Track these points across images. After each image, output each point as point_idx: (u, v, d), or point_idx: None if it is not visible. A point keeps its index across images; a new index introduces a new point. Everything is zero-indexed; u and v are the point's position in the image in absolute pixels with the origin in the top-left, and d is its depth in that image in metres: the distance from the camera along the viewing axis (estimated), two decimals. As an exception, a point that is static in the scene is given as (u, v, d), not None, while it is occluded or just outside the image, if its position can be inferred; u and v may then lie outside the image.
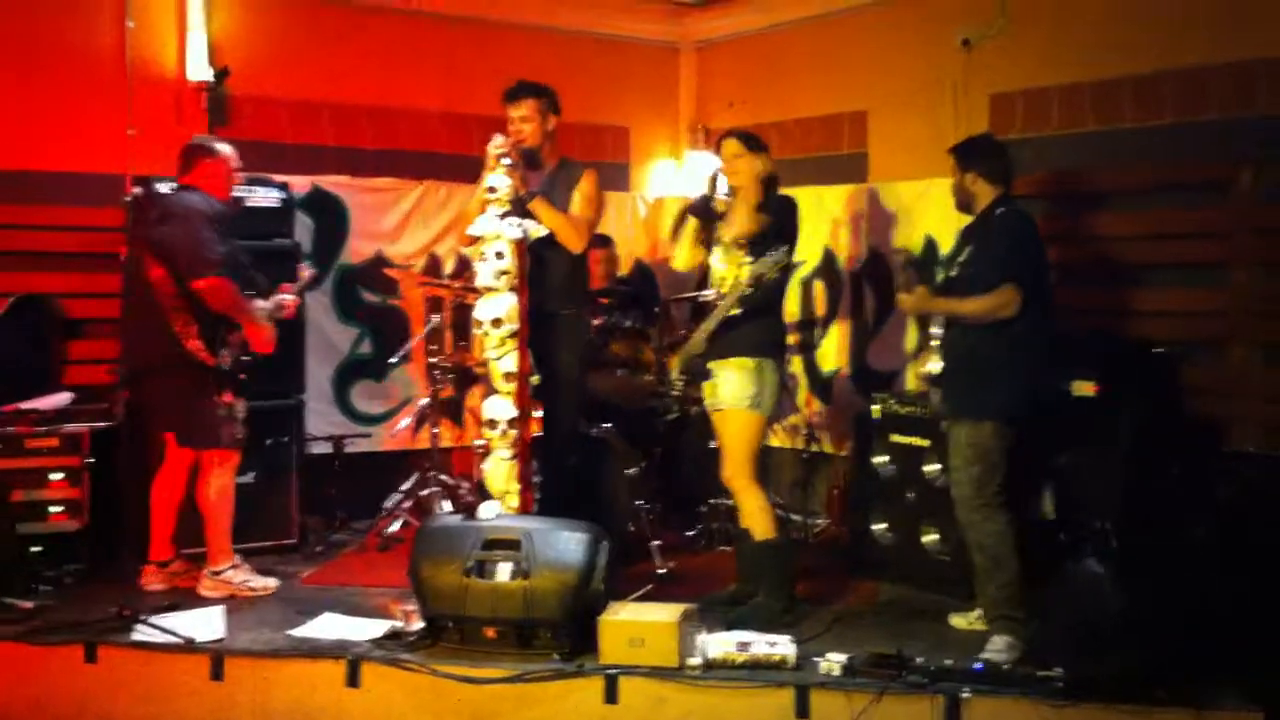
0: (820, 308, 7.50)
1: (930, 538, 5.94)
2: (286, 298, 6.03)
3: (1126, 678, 4.35)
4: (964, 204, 5.25)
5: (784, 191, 5.62)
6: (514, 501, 5.39)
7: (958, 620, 5.36)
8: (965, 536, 5.13)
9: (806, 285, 7.57)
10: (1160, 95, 6.04)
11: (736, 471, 5.45)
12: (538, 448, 5.63)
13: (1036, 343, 5.04)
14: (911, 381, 6.62)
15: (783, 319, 5.73)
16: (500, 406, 5.38)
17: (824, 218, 7.35)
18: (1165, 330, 5.84)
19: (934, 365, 5.13)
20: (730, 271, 5.44)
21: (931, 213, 6.73)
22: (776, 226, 5.39)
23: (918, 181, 6.90)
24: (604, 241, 7.78)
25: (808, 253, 7.33)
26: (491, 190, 5.39)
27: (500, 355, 5.36)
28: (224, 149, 5.88)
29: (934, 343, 5.16)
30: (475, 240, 5.58)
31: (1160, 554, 4.94)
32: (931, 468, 5.88)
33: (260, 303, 5.86)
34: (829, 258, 7.44)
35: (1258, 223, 5.62)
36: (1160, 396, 5.67)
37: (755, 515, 5.45)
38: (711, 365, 5.50)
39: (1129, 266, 6.04)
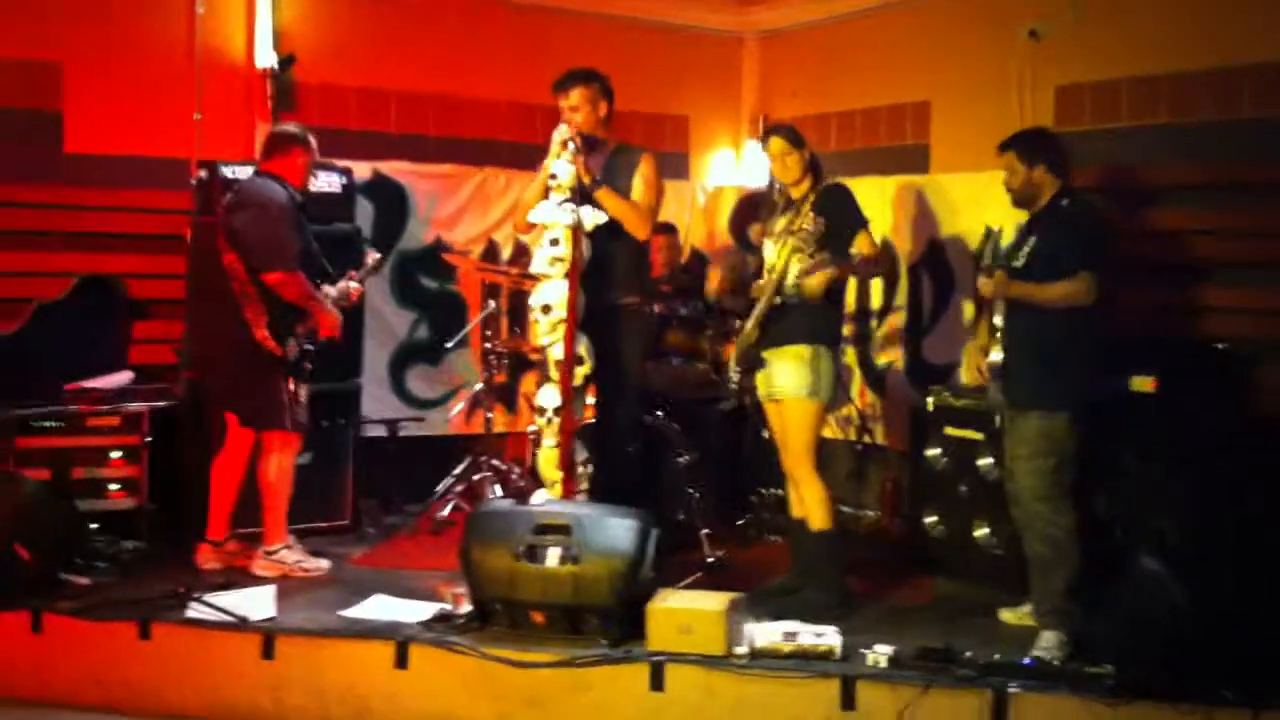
0: (877, 300, 7.42)
1: (982, 532, 5.88)
2: (354, 285, 6.07)
3: (1185, 677, 4.28)
4: (1026, 198, 5.17)
5: (842, 180, 5.58)
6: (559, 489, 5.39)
7: (1007, 615, 5.31)
8: (1025, 530, 5.04)
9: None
10: (1235, 90, 5.94)
11: (798, 461, 5.43)
12: (590, 436, 5.61)
13: (1103, 333, 5.00)
14: (967, 374, 6.51)
15: (841, 308, 5.70)
16: (550, 395, 5.39)
17: (884, 207, 7.27)
18: (1234, 328, 5.74)
19: (996, 354, 5.04)
20: (780, 261, 5.41)
21: (993, 205, 6.64)
22: (838, 222, 5.34)
23: (980, 173, 6.81)
24: (666, 229, 7.78)
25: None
26: (553, 177, 5.39)
27: (552, 342, 5.36)
28: (313, 141, 5.93)
29: (997, 333, 5.06)
30: (532, 227, 5.60)
31: (1223, 553, 4.86)
32: (985, 461, 5.82)
33: (328, 289, 5.91)
34: (886, 249, 7.35)
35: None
36: (1223, 394, 5.58)
37: (815, 505, 5.42)
38: (766, 354, 5.47)
39: (1198, 263, 5.94)
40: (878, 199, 7.11)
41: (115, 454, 6.20)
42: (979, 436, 5.87)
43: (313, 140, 5.93)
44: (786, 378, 5.40)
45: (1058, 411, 4.92)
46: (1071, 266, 4.87)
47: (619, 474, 5.73)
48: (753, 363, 5.54)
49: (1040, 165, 5.10)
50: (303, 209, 5.83)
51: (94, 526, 6.02)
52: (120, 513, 6.18)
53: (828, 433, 7.21)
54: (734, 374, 5.69)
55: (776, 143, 5.54)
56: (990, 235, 5.22)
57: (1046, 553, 4.94)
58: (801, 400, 5.38)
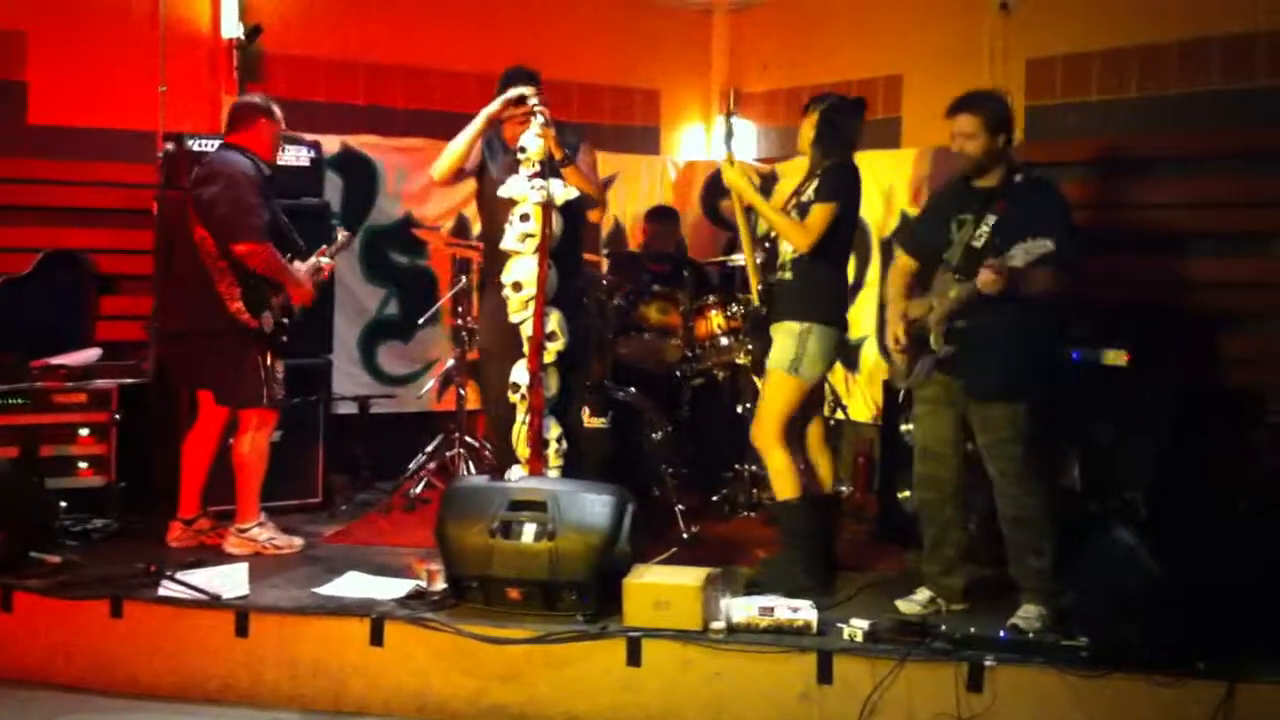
0: (850, 275, 7.41)
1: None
2: (325, 260, 6.02)
3: (1161, 648, 4.30)
4: (981, 169, 4.88)
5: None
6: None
7: (906, 607, 5.12)
8: (1001, 514, 4.97)
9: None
10: (1206, 61, 5.96)
11: (761, 431, 5.42)
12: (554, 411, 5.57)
13: (1058, 317, 4.95)
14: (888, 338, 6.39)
15: (841, 285, 5.58)
16: (522, 372, 5.36)
17: (903, 179, 7.17)
18: (1207, 299, 5.77)
19: (936, 341, 4.87)
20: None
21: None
22: (819, 189, 5.32)
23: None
24: (664, 216, 7.77)
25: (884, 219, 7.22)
26: (522, 150, 5.33)
27: (522, 320, 5.32)
28: (279, 111, 5.85)
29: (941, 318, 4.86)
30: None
31: (1195, 525, 4.89)
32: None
33: (299, 265, 5.86)
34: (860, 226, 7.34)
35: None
36: (1196, 366, 5.62)
37: (776, 475, 5.41)
38: (772, 329, 5.48)
39: (1171, 235, 5.97)
40: (894, 171, 7.07)
41: (84, 431, 6.15)
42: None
43: (278, 111, 5.85)
44: (775, 350, 5.40)
45: (1018, 401, 4.85)
46: (1065, 252, 4.60)
47: (577, 451, 5.67)
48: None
49: (1002, 134, 4.87)
50: (270, 181, 5.77)
51: (63, 504, 5.96)
52: (89, 490, 6.14)
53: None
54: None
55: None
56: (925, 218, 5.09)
57: (1024, 535, 4.92)
58: (779, 373, 5.37)
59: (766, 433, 5.40)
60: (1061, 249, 4.53)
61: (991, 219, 4.79)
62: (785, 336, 5.37)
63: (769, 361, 5.43)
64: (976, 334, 4.82)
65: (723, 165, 5.65)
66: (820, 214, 5.26)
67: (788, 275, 5.42)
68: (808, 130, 5.43)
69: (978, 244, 4.82)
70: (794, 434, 5.52)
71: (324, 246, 6.06)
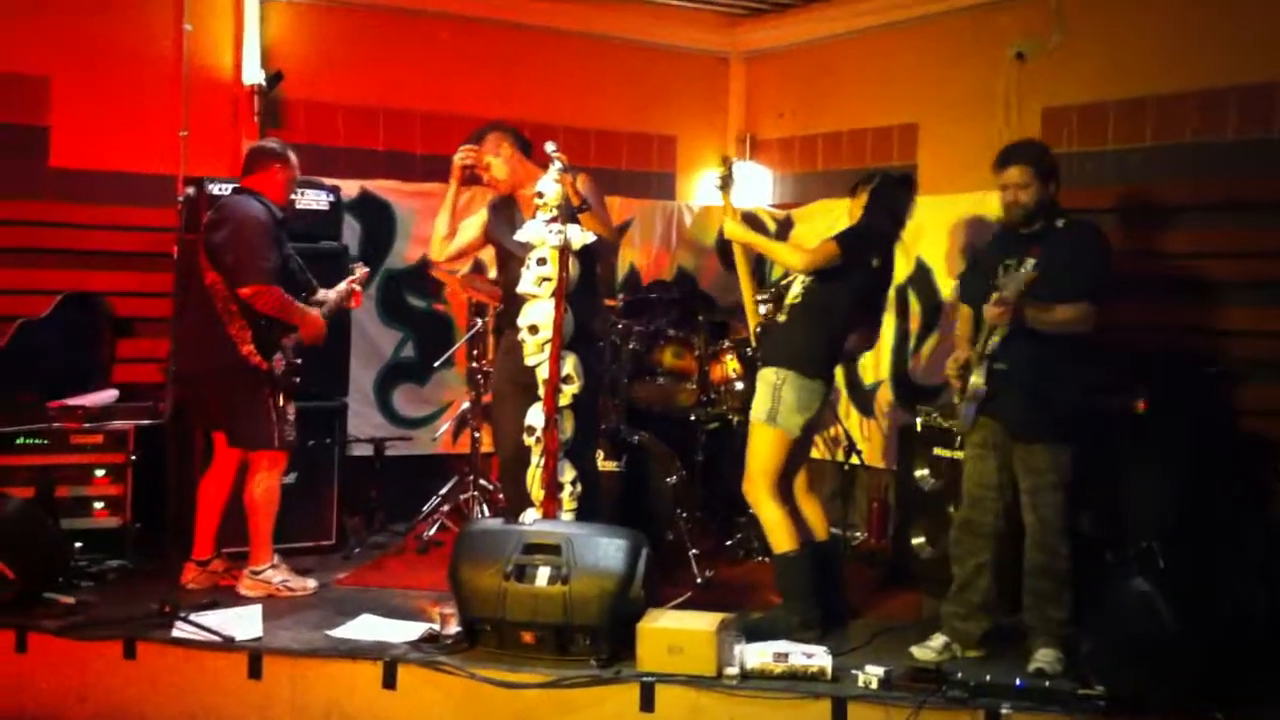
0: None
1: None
2: (357, 286, 6.06)
3: (1177, 697, 4.28)
4: (1032, 216, 4.94)
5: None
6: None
7: (921, 653, 5.10)
8: (1029, 561, 4.95)
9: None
10: (1223, 111, 5.98)
11: (750, 486, 5.40)
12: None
13: (1097, 360, 4.95)
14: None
15: (831, 334, 5.43)
16: (538, 414, 5.36)
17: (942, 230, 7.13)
18: (1223, 347, 5.76)
19: (978, 379, 4.95)
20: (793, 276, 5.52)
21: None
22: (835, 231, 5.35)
23: (967, 195, 6.84)
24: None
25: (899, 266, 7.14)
26: (539, 195, 5.36)
27: (538, 363, 5.34)
28: (293, 157, 5.90)
29: (986, 359, 4.92)
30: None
31: (1211, 573, 4.87)
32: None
33: (327, 292, 5.94)
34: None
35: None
36: (1213, 415, 5.60)
37: (770, 530, 5.39)
38: (757, 376, 5.48)
39: (1185, 283, 5.97)
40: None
41: (100, 472, 6.17)
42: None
43: (293, 156, 5.89)
44: (756, 399, 5.41)
45: (1063, 443, 4.88)
46: (1077, 294, 4.76)
47: (589, 495, 5.66)
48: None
49: (1053, 181, 4.94)
50: (283, 225, 5.80)
51: (78, 545, 5.99)
52: (105, 531, 6.15)
53: (815, 453, 7.22)
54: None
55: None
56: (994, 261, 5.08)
57: (1048, 586, 4.91)
58: (759, 425, 5.36)
59: (755, 486, 5.38)
60: (1073, 291, 4.66)
61: (1030, 262, 4.77)
62: (763, 386, 5.38)
63: (751, 413, 5.43)
64: (1016, 375, 4.86)
65: (723, 208, 5.75)
66: (822, 244, 5.30)
67: (782, 318, 5.45)
68: (857, 209, 5.47)
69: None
70: (783, 485, 5.47)
71: (353, 276, 6.14)
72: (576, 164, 5.48)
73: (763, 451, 5.36)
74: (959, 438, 5.36)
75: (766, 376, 5.37)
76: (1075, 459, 4.91)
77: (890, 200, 5.45)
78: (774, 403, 5.31)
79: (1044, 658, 4.83)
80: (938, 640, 5.13)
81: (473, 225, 5.82)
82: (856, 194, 5.52)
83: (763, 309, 5.83)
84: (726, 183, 5.85)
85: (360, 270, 6.25)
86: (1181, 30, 6.18)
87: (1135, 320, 5.95)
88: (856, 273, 5.34)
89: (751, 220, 8.17)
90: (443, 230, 5.77)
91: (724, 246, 8.28)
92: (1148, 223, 6.15)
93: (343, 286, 6.04)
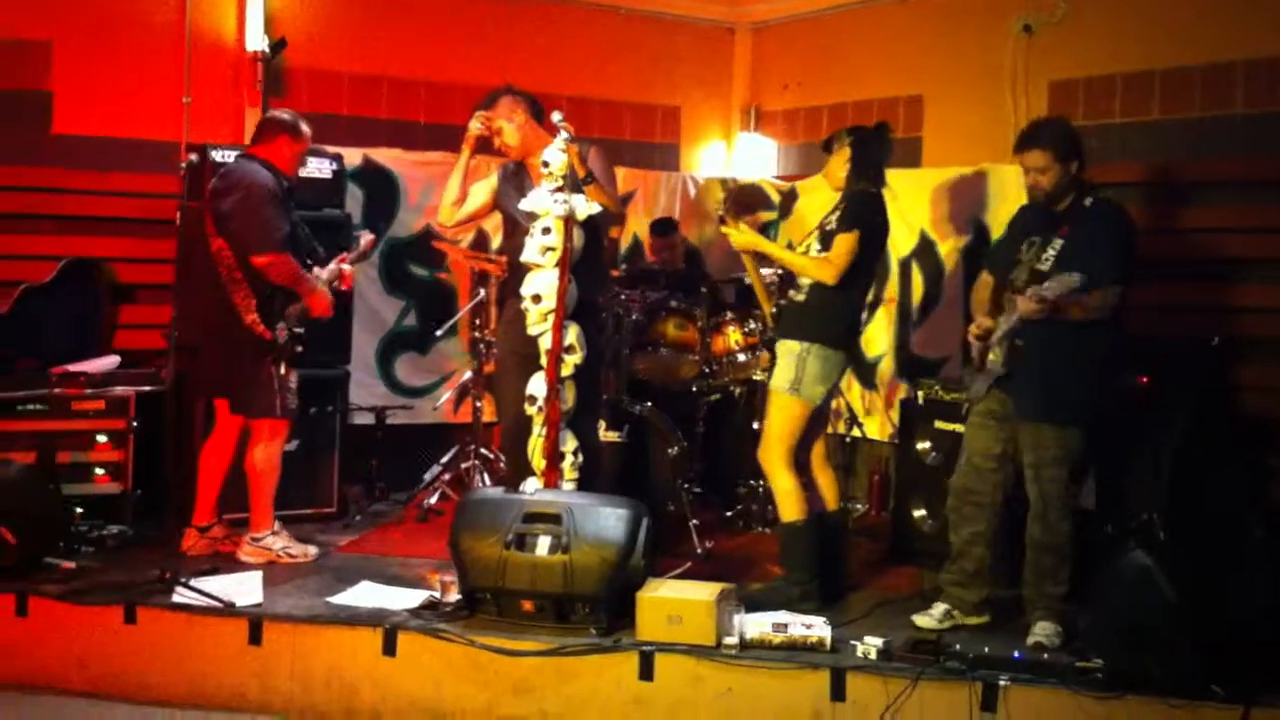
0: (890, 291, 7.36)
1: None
2: (345, 267, 6.04)
3: (1176, 672, 4.28)
4: (1056, 198, 4.88)
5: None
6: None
7: (923, 620, 5.12)
8: (1029, 535, 4.94)
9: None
10: (1230, 85, 5.95)
11: (767, 453, 5.41)
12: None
13: (1116, 341, 4.90)
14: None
15: (852, 306, 5.44)
16: (540, 384, 5.36)
17: (923, 201, 7.14)
18: (1231, 325, 5.75)
19: (995, 359, 4.92)
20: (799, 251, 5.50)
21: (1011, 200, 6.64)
22: (842, 219, 5.32)
23: (971, 167, 6.82)
24: (666, 229, 7.79)
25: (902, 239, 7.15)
26: (545, 164, 5.34)
27: (541, 332, 5.33)
28: (307, 130, 5.86)
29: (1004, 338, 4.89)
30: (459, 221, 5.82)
31: (1211, 548, 4.87)
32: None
33: (319, 271, 5.88)
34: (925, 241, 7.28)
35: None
36: (1214, 390, 5.59)
37: (780, 498, 5.40)
38: (776, 347, 5.49)
39: (1194, 259, 5.95)
40: (914, 191, 7.08)
41: (101, 438, 6.18)
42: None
43: (305, 128, 5.85)
44: (777, 370, 5.40)
45: (1072, 425, 4.86)
46: (1107, 278, 4.68)
47: (591, 465, 5.67)
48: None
49: (1075, 161, 4.86)
50: (289, 193, 5.79)
51: (79, 510, 5.98)
52: (105, 497, 6.16)
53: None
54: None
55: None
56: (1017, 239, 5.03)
57: (1048, 560, 4.91)
58: (780, 394, 5.36)
59: (772, 454, 5.39)
60: (1099, 277, 4.58)
61: (1058, 243, 4.80)
62: (785, 357, 5.37)
63: (771, 382, 5.44)
64: (1035, 355, 4.84)
65: (727, 232, 5.62)
66: (842, 244, 5.24)
67: (800, 297, 5.43)
68: (839, 166, 5.43)
69: (1043, 268, 4.83)
70: (800, 455, 5.49)
71: (343, 254, 6.07)
72: (581, 135, 5.45)
73: (782, 420, 5.36)
74: (964, 408, 5.33)
75: (790, 347, 5.36)
76: (1084, 439, 4.89)
77: (875, 155, 5.42)
78: (797, 372, 5.30)
79: (1042, 631, 4.83)
80: (939, 608, 5.14)
81: (482, 190, 5.80)
82: (834, 150, 5.46)
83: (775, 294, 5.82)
84: (727, 217, 5.73)
85: (365, 238, 6.22)
86: (1188, 3, 6.15)
87: (1141, 297, 5.93)
88: (868, 243, 5.32)
89: (754, 193, 8.17)
90: (454, 195, 5.73)
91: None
92: (1157, 199, 6.13)
93: (332, 266, 5.97)
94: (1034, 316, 4.62)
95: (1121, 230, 4.85)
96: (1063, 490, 4.88)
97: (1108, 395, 4.97)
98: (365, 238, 6.24)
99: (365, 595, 5.28)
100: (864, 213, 5.32)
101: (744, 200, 6.41)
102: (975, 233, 6.74)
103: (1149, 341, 5.65)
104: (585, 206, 5.27)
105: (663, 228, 7.88)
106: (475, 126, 5.61)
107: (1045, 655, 4.67)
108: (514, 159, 5.70)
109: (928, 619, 5.12)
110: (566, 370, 5.32)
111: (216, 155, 6.24)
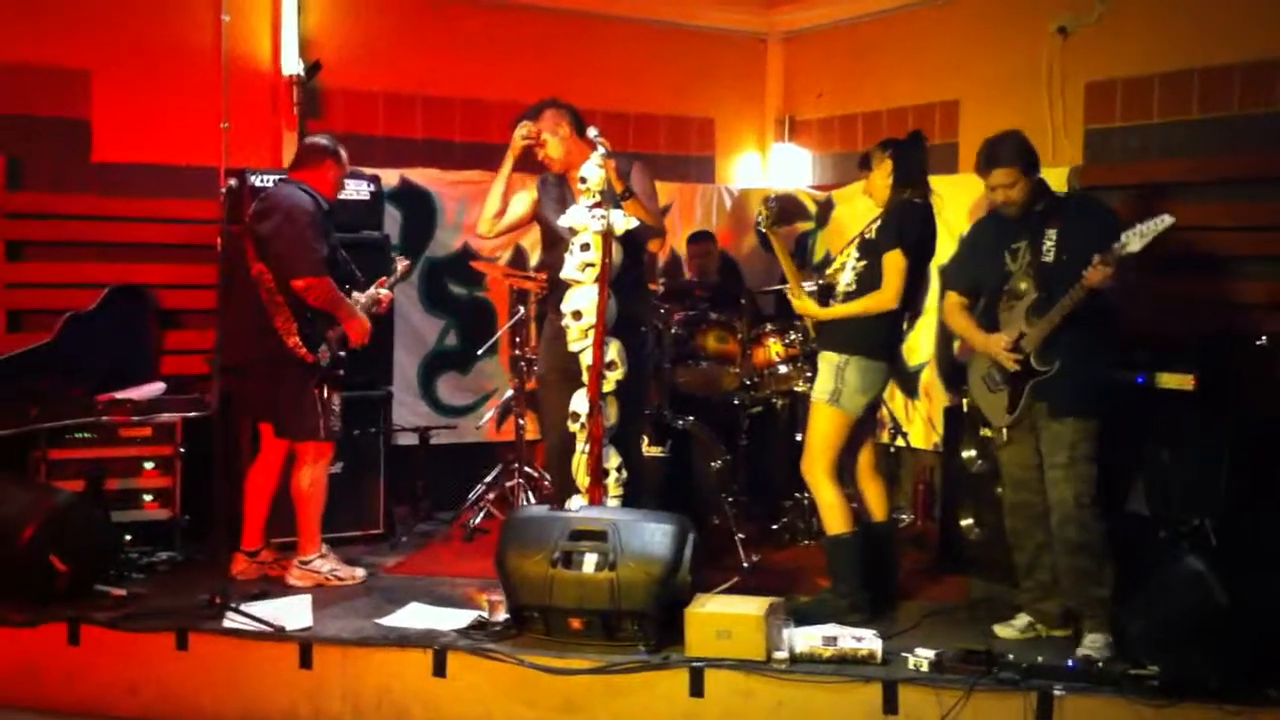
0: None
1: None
2: (383, 292, 6.06)
3: (1231, 677, 4.23)
4: (1026, 207, 4.93)
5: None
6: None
7: (1004, 632, 5.14)
8: (1062, 542, 4.91)
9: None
10: (1270, 83, 5.90)
11: (810, 465, 5.40)
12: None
13: (1122, 332, 4.95)
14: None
15: (893, 318, 5.37)
16: (583, 400, 5.36)
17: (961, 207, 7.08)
18: (1267, 322, 5.68)
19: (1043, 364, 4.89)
20: (838, 263, 5.49)
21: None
22: (884, 230, 5.31)
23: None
24: (703, 237, 7.79)
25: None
26: (583, 180, 5.35)
27: (582, 349, 5.33)
28: (346, 155, 5.91)
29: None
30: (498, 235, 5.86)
31: (1266, 551, 4.81)
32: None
33: (358, 296, 5.90)
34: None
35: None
36: (1261, 389, 5.53)
37: (824, 510, 5.38)
38: (818, 359, 5.48)
39: (1233, 258, 5.89)
40: (960, 196, 7.03)
41: (148, 465, 6.23)
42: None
43: (345, 154, 5.90)
44: (818, 381, 5.39)
45: (1090, 418, 4.85)
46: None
47: (635, 480, 5.65)
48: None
49: (1036, 171, 4.95)
50: (329, 216, 5.81)
51: (128, 537, 6.05)
52: (154, 523, 6.22)
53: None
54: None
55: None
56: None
57: (1087, 562, 4.86)
58: (821, 405, 5.35)
59: (814, 466, 5.38)
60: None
61: (1052, 233, 4.84)
62: (825, 368, 5.37)
63: (813, 393, 5.42)
64: (1054, 353, 4.83)
65: (790, 297, 5.62)
66: (892, 265, 5.23)
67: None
68: (881, 181, 5.39)
69: (1048, 259, 4.85)
70: (844, 466, 5.48)
71: (383, 278, 6.10)
72: (617, 149, 5.45)
73: (824, 431, 5.34)
74: (1000, 436, 5.25)
75: (829, 358, 5.35)
76: (1108, 431, 4.88)
77: (915, 167, 5.40)
78: (837, 383, 5.29)
79: (1091, 644, 4.79)
80: (1021, 619, 5.14)
81: (522, 202, 5.80)
82: (873, 167, 5.43)
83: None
84: (773, 221, 5.76)
85: (401, 263, 6.24)
86: (1225, 1, 6.08)
87: (1183, 294, 5.88)
88: (916, 255, 5.31)
89: (791, 203, 8.14)
90: (495, 206, 5.72)
91: (764, 235, 8.27)
92: (1192, 197, 6.08)
93: (371, 291, 6.01)
94: (1102, 283, 4.57)
95: (1108, 209, 4.93)
96: (1089, 486, 4.85)
97: (1120, 388, 5.01)
98: (401, 263, 6.27)
99: (414, 616, 5.29)
100: (907, 225, 5.29)
101: (781, 210, 6.40)
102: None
103: (1195, 340, 5.61)
104: (623, 222, 5.28)
105: (695, 235, 7.89)
106: (520, 137, 5.61)
107: (1099, 664, 4.62)
108: (556, 171, 5.70)
109: (1010, 630, 5.12)
110: (609, 386, 5.31)
111: (255, 180, 6.27)
